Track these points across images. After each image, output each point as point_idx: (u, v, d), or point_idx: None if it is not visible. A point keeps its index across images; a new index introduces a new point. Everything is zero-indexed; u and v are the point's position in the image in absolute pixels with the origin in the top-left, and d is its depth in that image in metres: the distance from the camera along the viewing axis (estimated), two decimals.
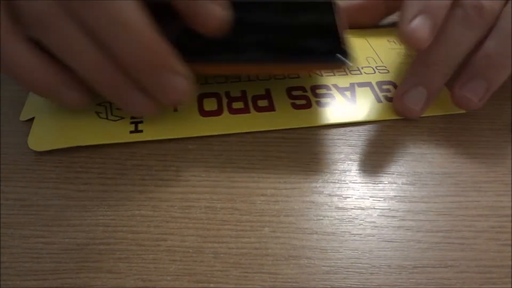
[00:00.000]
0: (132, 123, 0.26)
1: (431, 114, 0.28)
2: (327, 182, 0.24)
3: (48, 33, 0.21)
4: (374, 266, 0.21)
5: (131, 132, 0.25)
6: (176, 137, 0.26)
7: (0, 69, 0.23)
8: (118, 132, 0.25)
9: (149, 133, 0.25)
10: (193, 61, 0.24)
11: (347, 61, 0.24)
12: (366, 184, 0.24)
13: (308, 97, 0.28)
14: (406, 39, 0.25)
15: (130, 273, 0.20)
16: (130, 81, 0.23)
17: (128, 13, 0.21)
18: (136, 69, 0.22)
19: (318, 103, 0.28)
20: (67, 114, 0.26)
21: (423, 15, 0.25)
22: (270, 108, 0.28)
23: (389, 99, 0.29)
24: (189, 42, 0.24)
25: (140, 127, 0.26)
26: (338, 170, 0.25)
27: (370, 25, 0.34)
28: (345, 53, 0.25)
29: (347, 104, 0.28)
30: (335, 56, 0.24)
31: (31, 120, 0.26)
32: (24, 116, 0.27)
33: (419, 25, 0.25)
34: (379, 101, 0.29)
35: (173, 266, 0.21)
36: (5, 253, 0.21)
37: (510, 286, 0.20)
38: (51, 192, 0.23)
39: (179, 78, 0.23)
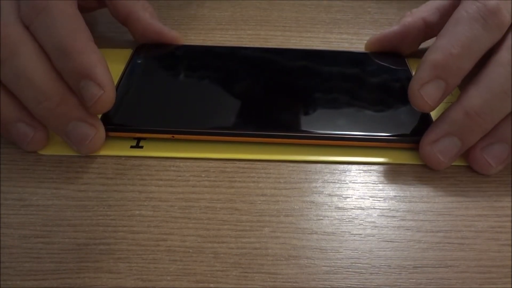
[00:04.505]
0: (134, 138, 0.26)
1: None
2: (327, 182, 0.24)
3: None
4: (374, 266, 0.21)
5: (132, 147, 0.25)
6: (175, 156, 0.25)
7: None
8: (119, 146, 0.25)
9: (149, 149, 0.25)
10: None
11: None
12: (366, 184, 0.24)
13: None
14: (412, 101, 0.24)
15: (130, 273, 0.20)
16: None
17: (32, 72, 0.23)
18: (45, 120, 0.24)
19: None
20: None
21: (437, 81, 0.23)
22: None
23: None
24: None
25: (141, 143, 0.26)
26: (338, 170, 0.25)
27: (410, 50, 0.31)
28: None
29: None
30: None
31: None
32: None
33: (430, 93, 0.23)
34: None
35: (173, 266, 0.21)
36: (5, 253, 0.21)
37: (510, 286, 0.20)
38: (51, 192, 0.23)
39: (86, 127, 0.24)
